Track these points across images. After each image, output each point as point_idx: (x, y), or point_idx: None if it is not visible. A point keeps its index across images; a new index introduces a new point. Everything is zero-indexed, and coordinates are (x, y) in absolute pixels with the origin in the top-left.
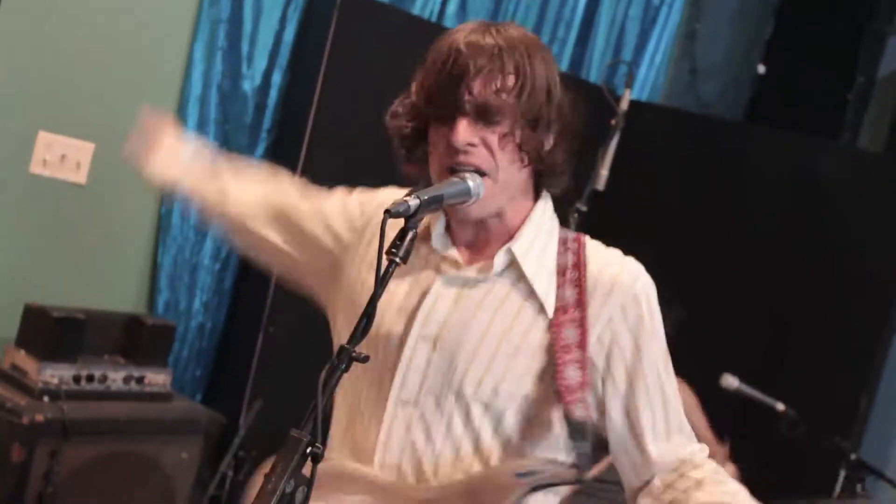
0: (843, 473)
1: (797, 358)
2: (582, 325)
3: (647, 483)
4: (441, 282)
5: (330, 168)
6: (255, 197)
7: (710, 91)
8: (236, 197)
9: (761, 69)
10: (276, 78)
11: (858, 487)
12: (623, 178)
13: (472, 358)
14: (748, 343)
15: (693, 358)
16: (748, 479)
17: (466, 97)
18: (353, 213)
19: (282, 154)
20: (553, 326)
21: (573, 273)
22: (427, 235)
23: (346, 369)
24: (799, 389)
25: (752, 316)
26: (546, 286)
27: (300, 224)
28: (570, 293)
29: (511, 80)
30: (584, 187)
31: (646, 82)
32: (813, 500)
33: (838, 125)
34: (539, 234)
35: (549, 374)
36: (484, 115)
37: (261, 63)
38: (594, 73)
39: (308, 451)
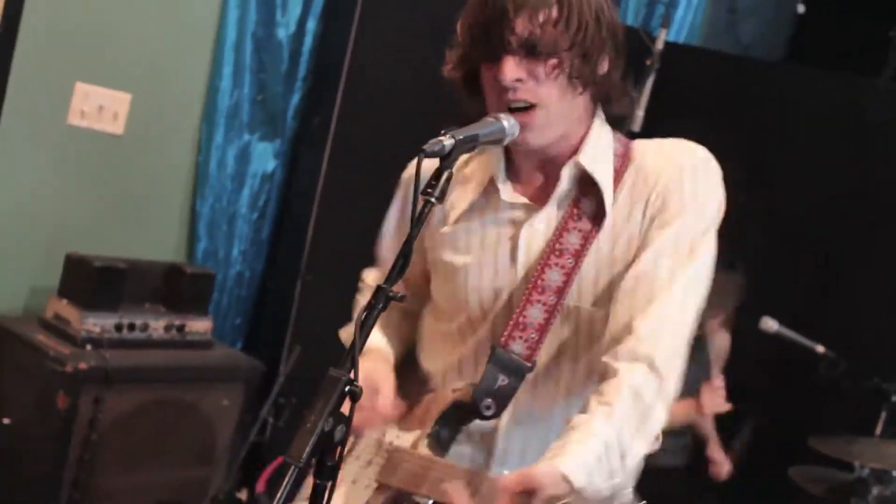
0: (884, 415)
1: (839, 300)
2: (587, 237)
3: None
4: (526, 228)
5: (365, 115)
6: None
7: (750, 31)
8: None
9: (801, 8)
10: (311, 25)
11: None
12: (660, 119)
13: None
14: (789, 285)
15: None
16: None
17: (510, 35)
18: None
19: (317, 102)
20: (560, 228)
21: (614, 180)
22: (492, 188)
23: (384, 309)
24: (840, 332)
25: (794, 258)
26: (609, 192)
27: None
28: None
29: (555, 10)
30: (621, 128)
31: (684, 22)
32: (853, 438)
33: (880, 65)
34: (599, 146)
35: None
36: (531, 50)
37: (295, 10)
38: (631, 13)
39: (346, 389)
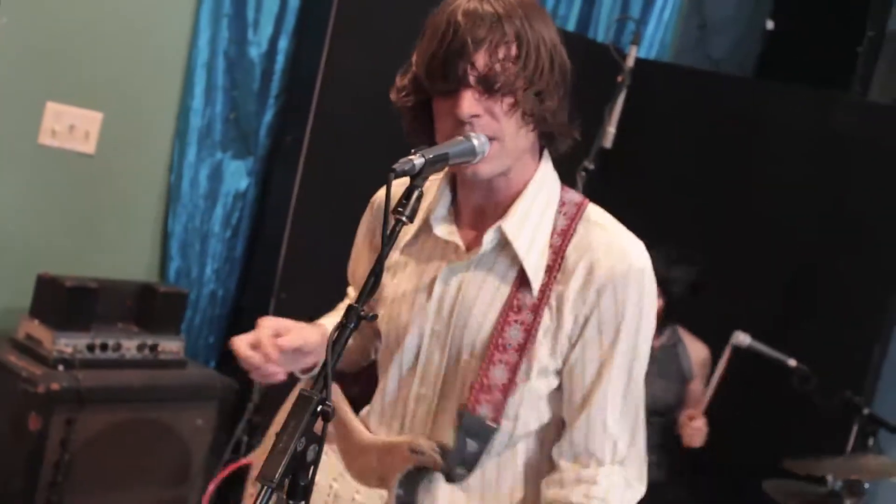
0: (855, 428)
1: (809, 314)
2: (544, 292)
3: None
4: (445, 272)
5: (338, 132)
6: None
7: (719, 47)
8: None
9: (770, 24)
10: (283, 43)
11: (870, 442)
12: (631, 136)
13: (474, 340)
14: (759, 300)
15: (704, 316)
16: (763, 433)
17: (469, 70)
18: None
19: (290, 120)
20: (501, 321)
21: (556, 239)
22: (429, 224)
23: (355, 328)
24: (811, 345)
25: (764, 272)
26: (536, 262)
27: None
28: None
29: (513, 48)
30: (592, 145)
31: (654, 39)
32: (825, 455)
33: (848, 79)
34: (535, 204)
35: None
36: (488, 87)
37: (267, 29)
38: (601, 31)
39: (318, 409)
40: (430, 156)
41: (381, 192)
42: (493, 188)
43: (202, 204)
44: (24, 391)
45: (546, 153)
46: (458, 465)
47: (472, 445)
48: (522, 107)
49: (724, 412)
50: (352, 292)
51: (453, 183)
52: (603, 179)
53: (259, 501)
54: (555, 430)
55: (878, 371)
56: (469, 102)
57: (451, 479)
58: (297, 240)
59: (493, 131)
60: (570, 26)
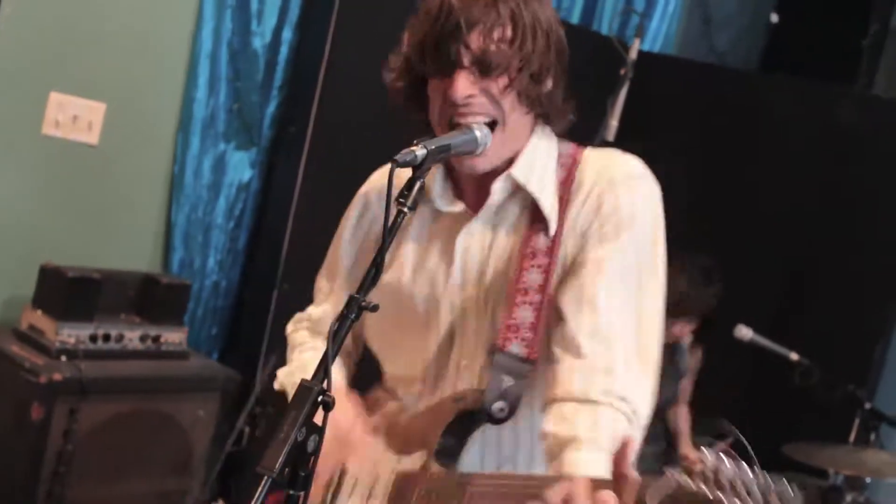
0: (857, 422)
1: (812, 308)
2: (557, 233)
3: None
4: (460, 239)
5: (341, 124)
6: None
7: (724, 41)
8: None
9: (774, 18)
10: (287, 34)
11: (872, 436)
12: (634, 129)
13: (500, 293)
14: (763, 293)
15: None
16: (765, 428)
17: (463, 51)
18: (353, 231)
19: (293, 111)
20: (520, 268)
21: (562, 189)
22: (428, 199)
23: (357, 319)
24: (814, 339)
25: (767, 266)
26: (551, 203)
27: None
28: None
29: (508, 29)
30: (595, 138)
31: (658, 32)
32: (826, 445)
33: (852, 73)
34: (537, 156)
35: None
36: (483, 67)
37: (270, 19)
38: (605, 23)
39: (319, 399)
40: (433, 147)
41: (371, 185)
42: (494, 169)
43: (205, 195)
44: (27, 381)
45: (539, 125)
46: (498, 399)
47: (508, 381)
48: (517, 87)
49: (725, 406)
50: (313, 310)
51: (447, 162)
52: None
53: (259, 491)
54: None
55: (881, 366)
56: (463, 84)
57: (492, 418)
58: (300, 231)
59: (490, 113)
60: (574, 19)
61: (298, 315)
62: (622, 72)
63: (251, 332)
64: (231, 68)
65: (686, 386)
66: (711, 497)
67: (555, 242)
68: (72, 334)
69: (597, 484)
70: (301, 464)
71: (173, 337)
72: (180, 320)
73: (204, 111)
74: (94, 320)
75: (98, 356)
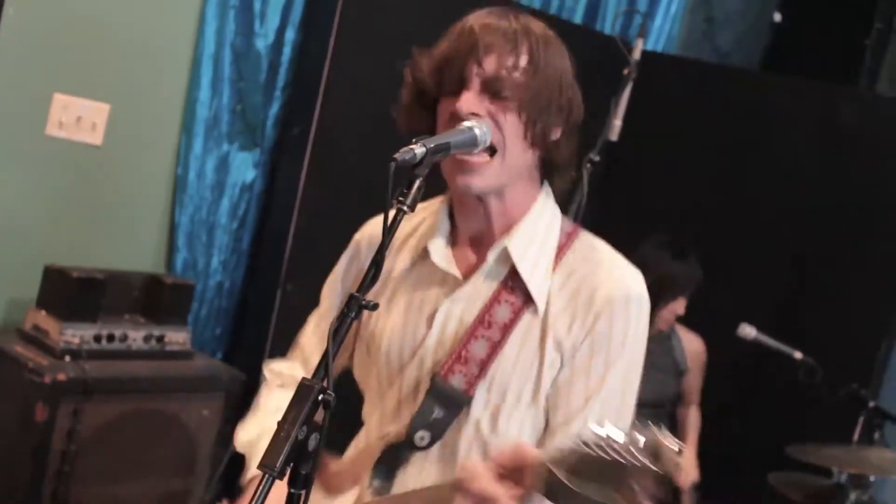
0: (861, 421)
1: (816, 306)
2: (517, 312)
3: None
4: (446, 305)
5: (345, 124)
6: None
7: (726, 40)
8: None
9: (777, 17)
10: (290, 35)
11: (876, 435)
12: (637, 128)
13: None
14: (766, 292)
15: (711, 307)
16: (769, 426)
17: (475, 70)
18: (342, 277)
19: (296, 112)
20: (491, 300)
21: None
22: (425, 253)
23: (357, 317)
24: (818, 338)
25: (771, 265)
26: (539, 284)
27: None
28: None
29: (524, 60)
30: (598, 138)
31: (661, 32)
32: (830, 445)
33: (855, 72)
34: (537, 229)
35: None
36: (492, 89)
37: (273, 20)
38: (608, 23)
39: (320, 398)
40: (432, 145)
41: (363, 234)
42: (490, 213)
43: (209, 195)
44: (31, 382)
45: (546, 184)
46: (421, 428)
47: (438, 413)
48: (525, 117)
49: (729, 404)
50: (297, 357)
51: (452, 211)
52: (609, 172)
53: (260, 488)
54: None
55: (885, 364)
56: (470, 100)
57: (413, 444)
58: (304, 231)
59: (495, 139)
60: (577, 18)
61: (277, 365)
62: (626, 71)
63: (255, 332)
64: (234, 69)
65: (693, 384)
66: (608, 458)
67: (514, 318)
68: (76, 334)
69: (499, 470)
70: (302, 462)
71: (177, 337)
72: (184, 320)
73: (207, 112)
74: (98, 321)
75: (102, 356)
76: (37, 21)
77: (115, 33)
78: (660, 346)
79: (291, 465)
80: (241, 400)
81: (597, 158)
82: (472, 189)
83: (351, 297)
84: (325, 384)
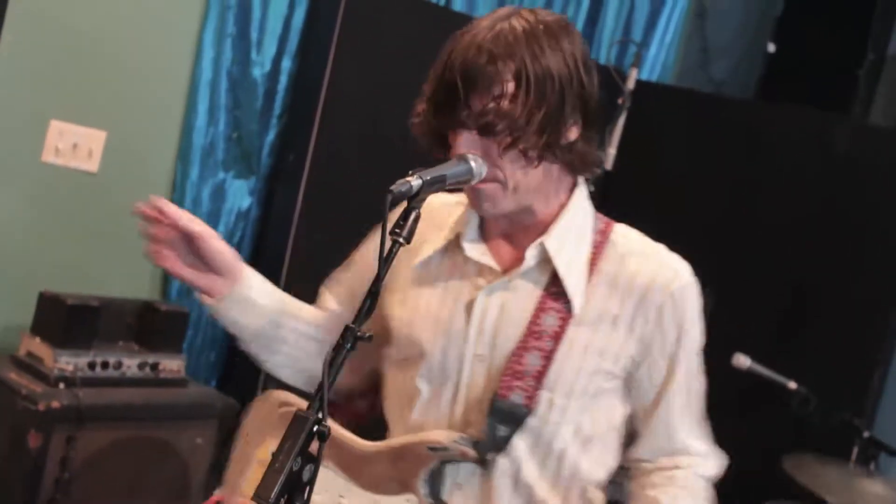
0: (855, 451)
1: (810, 336)
2: (565, 318)
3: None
4: (484, 294)
5: (340, 152)
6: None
7: (721, 70)
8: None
9: (771, 47)
10: (286, 63)
11: (871, 465)
12: (632, 158)
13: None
14: (760, 322)
15: (704, 337)
16: (761, 458)
17: (465, 112)
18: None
19: (292, 140)
20: (537, 310)
21: (590, 265)
22: (458, 243)
23: (352, 348)
24: (811, 368)
25: (764, 294)
26: (576, 282)
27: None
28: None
29: (511, 85)
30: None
31: (656, 62)
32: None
33: (849, 102)
34: (572, 227)
35: None
36: (484, 129)
37: (270, 49)
38: (603, 52)
39: (315, 429)
40: (428, 177)
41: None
42: (517, 220)
43: (205, 223)
44: (25, 409)
45: (580, 181)
46: (490, 451)
47: (502, 430)
48: (523, 144)
49: (723, 434)
50: (327, 299)
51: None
52: (604, 201)
53: None
54: (605, 436)
55: (880, 394)
56: (466, 143)
57: (483, 463)
58: (299, 259)
59: (492, 174)
60: None
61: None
62: (620, 101)
63: (249, 360)
64: (230, 97)
65: None
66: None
67: (563, 325)
68: (70, 361)
69: None
70: (296, 493)
71: (172, 364)
72: (179, 348)
73: (203, 139)
74: (92, 348)
75: (96, 384)
76: (34, 48)
77: (111, 60)
78: None
79: (286, 496)
80: (235, 427)
81: (591, 188)
82: (489, 214)
83: (347, 329)
84: (320, 416)
